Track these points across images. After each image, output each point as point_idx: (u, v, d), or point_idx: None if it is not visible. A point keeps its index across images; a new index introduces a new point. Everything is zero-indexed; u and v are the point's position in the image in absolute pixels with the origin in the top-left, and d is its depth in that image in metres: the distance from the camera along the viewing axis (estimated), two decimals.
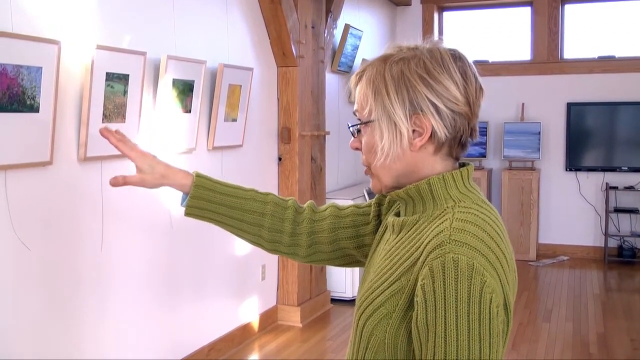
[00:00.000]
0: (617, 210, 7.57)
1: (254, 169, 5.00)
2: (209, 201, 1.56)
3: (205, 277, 4.48)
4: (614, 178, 7.66)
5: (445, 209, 1.27)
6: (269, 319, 5.31)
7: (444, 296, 1.12)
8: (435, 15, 8.47)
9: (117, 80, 3.45)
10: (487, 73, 7.84)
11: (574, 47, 8.01)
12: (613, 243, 7.70)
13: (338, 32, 6.25)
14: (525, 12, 8.13)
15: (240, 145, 4.75)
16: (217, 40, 4.50)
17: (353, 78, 1.37)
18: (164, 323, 4.06)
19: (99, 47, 3.30)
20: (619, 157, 7.68)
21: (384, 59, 1.32)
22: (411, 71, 1.27)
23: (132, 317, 3.78)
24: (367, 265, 1.45)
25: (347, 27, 6.42)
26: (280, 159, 5.33)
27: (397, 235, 1.34)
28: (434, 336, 1.13)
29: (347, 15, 6.48)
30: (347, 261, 1.63)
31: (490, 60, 8.19)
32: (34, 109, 2.98)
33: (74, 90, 3.28)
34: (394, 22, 8.48)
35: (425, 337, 1.15)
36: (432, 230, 1.23)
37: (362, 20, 7.07)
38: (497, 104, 8.02)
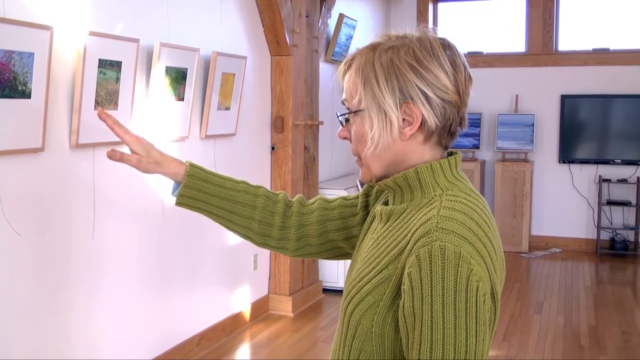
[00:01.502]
0: (610, 203, 7.59)
1: (247, 158, 4.99)
2: (200, 191, 1.55)
3: (196, 266, 4.47)
4: (607, 171, 7.67)
5: (432, 197, 1.27)
6: (261, 309, 5.31)
7: (431, 284, 1.12)
8: (430, 6, 8.45)
9: (109, 67, 3.42)
10: (482, 64, 7.95)
11: (568, 39, 8.00)
12: (605, 235, 7.71)
13: (332, 22, 6.22)
14: (520, 3, 8.11)
15: (233, 134, 4.73)
16: (210, 28, 4.47)
17: (341, 67, 1.36)
18: (155, 312, 4.05)
19: (92, 34, 3.27)
20: (613, 150, 7.69)
21: (373, 48, 1.31)
22: (401, 60, 1.26)
23: (123, 306, 3.77)
24: (355, 254, 1.45)
25: (341, 16, 6.40)
26: (273, 148, 5.32)
27: (385, 224, 1.34)
28: (420, 324, 1.12)
29: (342, 5, 6.46)
30: (336, 254, 1.63)
31: (484, 52, 8.18)
32: (25, 94, 2.96)
33: (66, 77, 3.26)
34: (389, 12, 8.46)
35: (412, 325, 1.14)
36: (419, 219, 1.23)
37: (357, 10, 7.04)
38: (491, 96, 8.02)
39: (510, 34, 8.24)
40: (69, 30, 3.23)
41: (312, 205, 1.62)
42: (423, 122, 1.27)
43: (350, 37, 6.68)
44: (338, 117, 1.37)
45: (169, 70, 3.87)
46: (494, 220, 1.29)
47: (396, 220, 1.31)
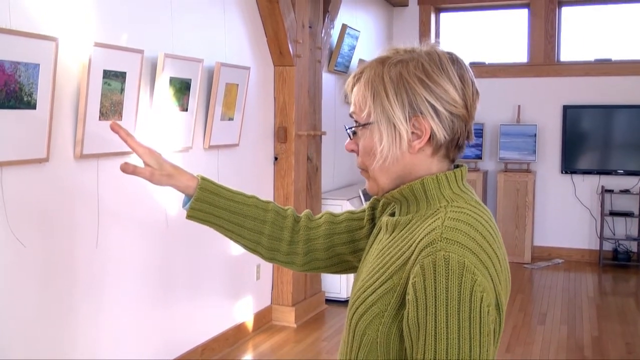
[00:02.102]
0: (613, 214, 7.58)
1: (250, 168, 4.99)
2: (211, 205, 1.56)
3: (200, 276, 4.47)
4: (609, 181, 7.67)
5: (438, 209, 1.28)
6: (263, 319, 5.30)
7: (435, 294, 1.12)
8: (432, 17, 8.47)
9: (114, 78, 3.43)
10: (484, 75, 7.97)
11: (570, 49, 8.01)
12: (608, 246, 7.70)
13: (335, 32, 6.24)
14: (523, 14, 8.14)
15: (237, 145, 4.74)
16: (214, 39, 4.49)
17: (350, 80, 1.37)
18: (158, 322, 4.04)
19: (97, 45, 3.29)
20: (615, 160, 7.69)
21: (382, 61, 1.32)
22: (410, 73, 1.27)
23: (127, 316, 3.77)
24: (361, 265, 1.46)
25: (344, 27, 6.42)
26: (276, 158, 5.32)
27: (390, 235, 1.35)
28: (424, 334, 1.13)
29: (345, 16, 6.48)
30: (344, 267, 1.64)
31: (487, 62, 8.20)
32: (31, 105, 2.97)
33: (71, 88, 3.27)
34: (391, 22, 8.48)
35: (416, 335, 1.15)
36: (424, 229, 1.24)
37: (359, 21, 7.06)
38: (493, 106, 8.02)
39: (512, 45, 8.26)
40: (74, 42, 3.24)
41: (320, 219, 1.63)
42: (432, 136, 1.28)
43: (353, 48, 6.70)
44: (346, 130, 1.38)
45: (173, 80, 3.88)
46: (499, 232, 1.30)
47: (401, 230, 1.32)
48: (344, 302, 5.94)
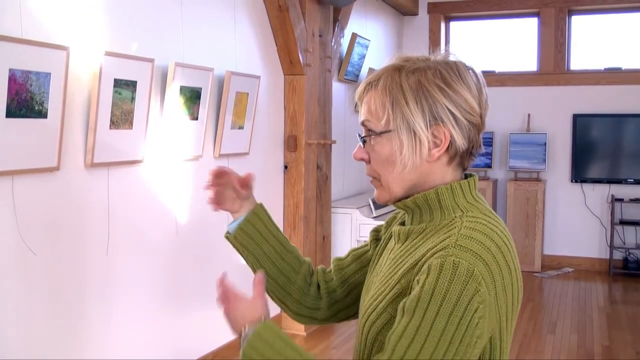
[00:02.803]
0: (623, 223, 7.55)
1: (260, 177, 4.98)
2: (259, 232, 1.56)
3: (209, 284, 4.46)
4: (619, 190, 7.64)
5: (453, 219, 1.28)
6: None
7: (432, 292, 1.13)
8: (442, 25, 8.48)
9: (124, 87, 3.45)
10: (494, 83, 7.97)
11: (580, 58, 8.00)
12: (618, 255, 7.67)
13: (345, 41, 6.25)
14: (532, 23, 8.13)
15: (247, 153, 4.75)
16: (224, 48, 4.51)
17: (362, 87, 1.36)
18: (167, 330, 4.05)
19: (108, 54, 3.31)
20: (625, 169, 7.67)
21: (397, 69, 1.31)
22: (429, 81, 1.27)
23: (136, 324, 3.78)
24: (371, 275, 1.46)
25: (354, 36, 6.43)
26: (286, 167, 5.33)
27: (403, 244, 1.35)
28: (408, 321, 1.14)
29: (355, 24, 6.49)
30: None
31: (496, 71, 8.19)
32: (42, 114, 2.99)
33: (82, 96, 3.29)
34: (401, 31, 8.49)
35: (399, 318, 1.16)
36: (439, 238, 1.24)
37: (369, 30, 7.07)
38: (503, 115, 8.02)
39: (522, 53, 8.25)
40: (85, 51, 3.26)
41: (331, 273, 1.62)
42: (450, 144, 1.29)
43: (363, 57, 6.71)
44: (361, 137, 1.36)
45: (183, 89, 3.90)
46: (513, 242, 1.30)
47: (414, 239, 1.32)
48: None
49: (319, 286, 1.62)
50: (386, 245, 1.47)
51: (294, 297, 1.59)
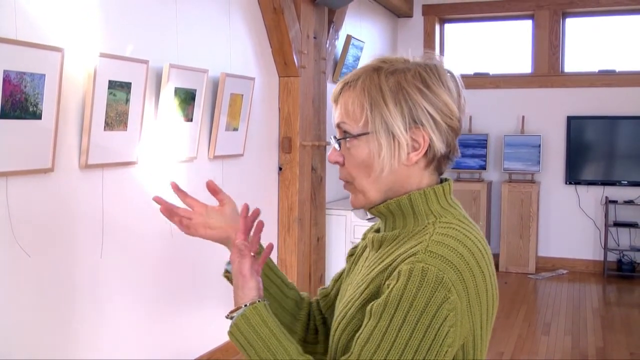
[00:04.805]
0: (617, 224, 7.56)
1: (255, 179, 5.00)
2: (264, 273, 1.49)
3: (204, 286, 4.47)
4: (613, 192, 7.66)
5: (426, 225, 1.25)
6: None
7: (400, 298, 1.11)
8: (437, 27, 8.49)
9: (119, 88, 3.45)
10: (488, 85, 7.99)
11: (574, 60, 8.02)
12: (612, 257, 7.68)
13: (340, 43, 6.26)
14: (527, 25, 8.15)
15: (241, 155, 4.75)
16: (219, 50, 4.51)
17: (339, 87, 1.32)
18: (163, 331, 4.05)
19: (102, 55, 3.30)
20: (619, 171, 7.69)
21: (376, 70, 1.28)
22: (409, 83, 1.24)
23: (131, 326, 3.77)
24: (345, 284, 1.43)
25: (348, 37, 6.44)
26: (280, 168, 5.33)
27: (377, 251, 1.32)
28: (374, 325, 1.12)
29: (349, 26, 6.50)
30: None
31: (490, 73, 8.21)
32: (36, 115, 2.98)
33: (77, 98, 3.28)
34: (396, 33, 8.50)
35: (366, 322, 1.14)
36: (410, 244, 1.22)
37: (364, 31, 7.08)
38: (497, 117, 8.03)
39: (516, 56, 8.27)
40: (79, 52, 3.26)
41: (317, 304, 1.58)
42: (429, 148, 1.25)
43: (357, 58, 6.72)
44: (335, 140, 1.32)
45: (178, 91, 3.90)
46: (489, 248, 1.27)
47: (388, 246, 1.29)
48: None
49: (313, 317, 1.58)
50: (362, 254, 1.44)
51: (299, 334, 1.54)
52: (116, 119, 3.46)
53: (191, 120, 4.08)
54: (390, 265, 1.20)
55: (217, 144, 4.41)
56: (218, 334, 4.62)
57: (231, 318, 1.27)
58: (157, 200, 1.53)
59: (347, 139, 1.28)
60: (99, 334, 3.53)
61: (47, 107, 3.04)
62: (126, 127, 3.54)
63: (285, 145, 5.29)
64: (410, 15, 8.42)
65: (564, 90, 7.87)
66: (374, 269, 1.27)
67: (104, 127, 3.38)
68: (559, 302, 6.58)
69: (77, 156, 3.31)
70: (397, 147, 1.24)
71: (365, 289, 1.24)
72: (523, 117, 7.99)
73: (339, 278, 1.54)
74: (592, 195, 7.81)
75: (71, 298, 3.34)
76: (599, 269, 7.71)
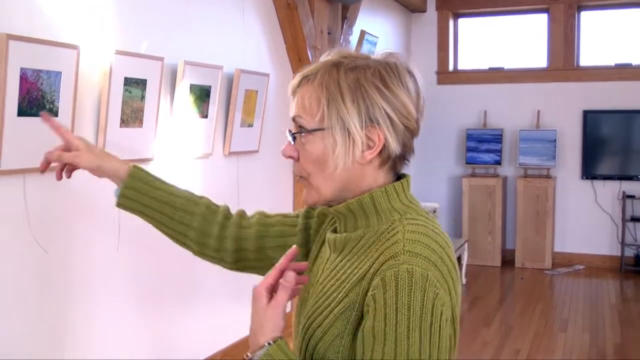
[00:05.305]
0: (634, 219, 7.51)
1: (270, 175, 4.99)
2: (141, 193, 1.54)
3: (218, 282, 4.46)
4: (630, 186, 7.60)
5: (392, 222, 1.24)
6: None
7: (396, 307, 1.10)
8: (451, 22, 8.45)
9: (134, 85, 3.45)
10: (503, 80, 7.95)
11: (590, 54, 7.96)
12: (629, 252, 7.63)
13: (354, 38, 6.23)
14: (542, 18, 8.10)
15: (256, 151, 4.74)
16: (233, 46, 4.50)
17: (297, 80, 1.30)
18: (178, 328, 4.05)
19: (118, 52, 3.30)
20: (636, 166, 7.62)
21: (335, 65, 1.25)
22: (368, 81, 1.22)
23: (146, 321, 3.78)
24: (305, 286, 1.38)
25: (362, 33, 6.41)
26: None
27: (341, 253, 1.29)
28: (382, 346, 1.09)
29: (363, 22, 6.48)
30: None
31: (505, 67, 8.17)
32: (52, 113, 2.99)
33: (93, 95, 3.29)
34: (409, 28, 8.47)
35: (371, 345, 1.11)
36: (382, 244, 1.20)
37: (378, 27, 7.06)
38: (512, 111, 8.00)
39: (531, 50, 8.22)
40: (95, 50, 3.26)
41: (252, 219, 1.57)
42: (384, 147, 1.24)
43: (371, 54, 6.68)
44: (290, 134, 1.30)
45: (193, 87, 3.90)
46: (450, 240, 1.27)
47: (353, 248, 1.26)
48: None
49: (227, 227, 1.56)
50: (319, 252, 1.41)
51: (194, 241, 1.56)
52: (132, 116, 3.46)
53: (206, 117, 4.08)
54: (369, 271, 1.18)
55: (232, 140, 4.40)
56: (230, 332, 4.62)
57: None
58: (45, 117, 1.57)
59: (303, 134, 1.27)
60: (115, 329, 3.54)
61: (64, 104, 3.04)
62: (142, 124, 3.54)
63: None
64: (424, 10, 8.39)
65: (580, 84, 7.81)
66: (347, 275, 1.23)
67: (120, 124, 3.38)
68: (576, 298, 6.54)
69: None
70: (352, 145, 1.22)
71: (344, 297, 1.20)
72: (538, 111, 7.94)
73: (284, 235, 1.52)
74: (609, 190, 7.75)
75: (87, 293, 3.35)
76: (616, 265, 7.65)
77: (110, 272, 3.49)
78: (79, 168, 1.55)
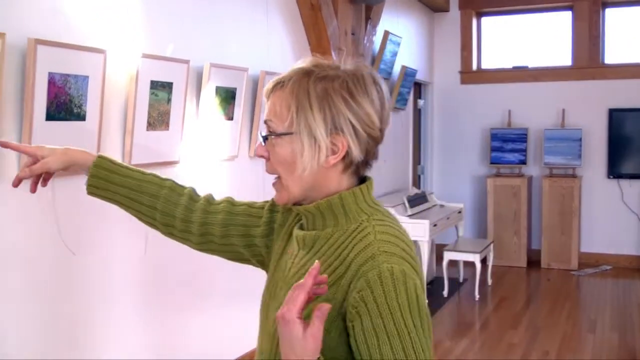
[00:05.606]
0: None
1: None
2: (108, 181, 1.61)
3: (242, 283, 4.45)
4: None
5: (361, 223, 1.33)
6: None
7: (387, 302, 1.19)
8: (474, 21, 8.40)
9: (161, 89, 3.45)
10: (527, 79, 7.89)
11: (615, 51, 7.88)
12: None
13: (377, 39, 6.21)
14: (566, 16, 8.03)
15: None
16: (258, 48, 4.50)
17: (270, 85, 1.37)
18: (209, 329, 4.05)
19: (144, 56, 3.31)
20: None
21: (307, 73, 1.33)
22: (335, 91, 1.30)
23: (178, 323, 3.78)
24: (273, 278, 1.47)
25: (386, 33, 6.39)
26: None
27: (310, 250, 1.37)
28: (387, 339, 1.18)
29: (386, 22, 6.45)
30: (237, 257, 1.65)
31: (529, 66, 8.11)
32: (80, 117, 3.00)
33: (119, 99, 3.29)
34: (432, 28, 8.43)
35: (376, 342, 1.19)
36: (355, 245, 1.29)
37: (401, 27, 7.03)
38: (537, 110, 7.93)
39: (555, 48, 8.15)
40: (121, 53, 3.27)
41: (219, 205, 1.64)
42: (347, 153, 1.32)
43: (395, 54, 6.67)
44: (262, 136, 1.38)
45: (218, 90, 3.90)
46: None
47: (323, 245, 1.34)
48: None
49: (193, 210, 1.63)
50: (285, 248, 1.48)
51: (161, 222, 1.65)
52: (158, 119, 3.47)
53: (232, 119, 4.08)
54: (346, 272, 1.26)
55: (258, 142, 4.39)
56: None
57: None
58: (2, 144, 1.62)
59: (273, 137, 1.36)
60: (144, 331, 3.54)
61: (91, 108, 3.05)
62: (168, 126, 3.55)
63: None
64: (446, 10, 8.34)
65: (605, 82, 7.73)
66: (321, 273, 1.24)
67: (147, 127, 3.39)
68: (604, 298, 6.47)
69: (121, 156, 3.32)
70: (318, 150, 1.31)
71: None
72: (563, 110, 7.87)
73: (248, 227, 1.58)
74: (636, 189, 7.66)
75: (116, 295, 3.36)
76: None
77: (139, 275, 3.49)
78: (52, 174, 1.62)
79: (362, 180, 1.39)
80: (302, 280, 1.19)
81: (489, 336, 5.39)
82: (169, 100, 3.52)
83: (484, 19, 8.55)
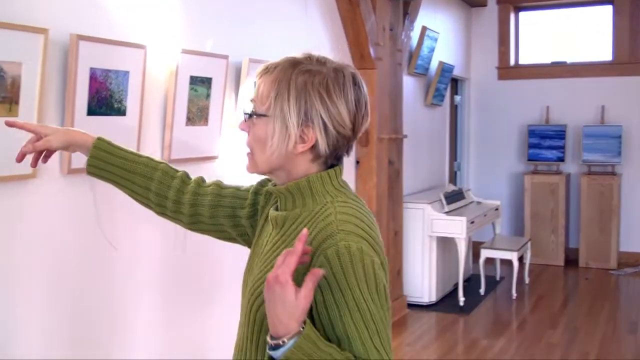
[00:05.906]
0: None
1: None
2: (106, 162, 1.74)
3: None
4: None
5: (325, 204, 1.43)
6: None
7: (346, 277, 1.30)
8: (512, 16, 8.30)
9: (200, 84, 3.45)
10: (566, 74, 7.77)
11: None
12: None
13: (415, 34, 6.16)
14: (606, 11, 7.89)
15: None
16: (296, 43, 4.47)
17: (261, 69, 1.47)
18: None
19: (184, 51, 3.31)
20: None
21: (293, 64, 1.43)
22: (313, 86, 1.40)
23: (220, 318, 3.79)
24: (252, 254, 1.60)
25: (423, 29, 6.34)
26: (358, 162, 5.28)
27: (281, 229, 1.48)
28: (348, 311, 1.30)
29: (424, 17, 6.39)
30: (225, 236, 1.77)
31: (568, 61, 7.99)
32: (121, 112, 3.00)
33: (159, 94, 3.29)
34: (470, 23, 8.35)
35: (338, 314, 1.31)
36: (317, 223, 1.39)
37: (439, 22, 6.96)
38: (575, 107, 7.82)
39: (595, 43, 8.02)
40: (161, 49, 3.26)
41: (208, 188, 1.75)
42: (315, 145, 1.42)
43: (432, 50, 6.61)
44: (244, 113, 1.50)
45: None
46: (374, 218, 1.50)
47: (291, 225, 1.46)
48: (427, 307, 5.88)
49: (184, 192, 1.75)
50: (263, 227, 1.60)
51: (154, 202, 1.76)
52: (197, 114, 3.46)
53: None
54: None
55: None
56: None
57: (275, 347, 1.28)
58: (9, 123, 1.72)
59: (253, 116, 1.47)
60: (190, 324, 3.55)
61: (131, 103, 3.05)
62: (207, 122, 3.54)
63: (362, 138, 5.23)
64: (484, 5, 8.26)
65: None
66: (285, 247, 1.40)
67: (186, 122, 3.39)
68: None
69: (160, 151, 3.33)
70: (287, 137, 1.41)
71: None
72: (603, 106, 7.74)
73: (235, 208, 1.70)
74: None
75: (157, 291, 3.36)
76: None
77: (179, 270, 3.50)
78: (53, 152, 1.74)
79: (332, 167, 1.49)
80: (292, 248, 1.29)
81: (526, 336, 5.31)
82: (208, 95, 3.51)
83: (521, 14, 8.44)
